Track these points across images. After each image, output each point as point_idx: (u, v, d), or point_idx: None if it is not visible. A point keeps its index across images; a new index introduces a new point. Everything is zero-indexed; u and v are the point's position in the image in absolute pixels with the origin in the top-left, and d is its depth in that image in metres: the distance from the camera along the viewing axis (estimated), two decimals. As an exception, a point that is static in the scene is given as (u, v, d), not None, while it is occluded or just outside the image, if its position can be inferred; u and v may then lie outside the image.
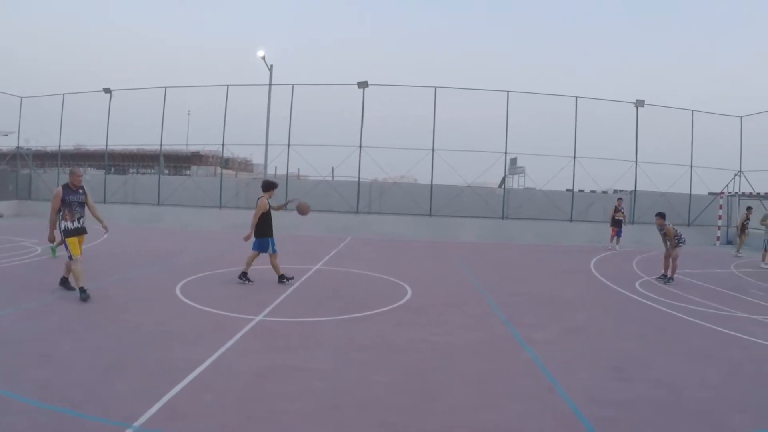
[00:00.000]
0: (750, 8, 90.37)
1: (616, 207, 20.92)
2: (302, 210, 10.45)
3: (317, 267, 12.60)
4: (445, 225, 23.79)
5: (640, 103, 25.27)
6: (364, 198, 25.50)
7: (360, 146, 24.64)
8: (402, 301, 9.49)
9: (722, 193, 25.58)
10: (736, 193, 25.85)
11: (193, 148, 43.32)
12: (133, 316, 7.60)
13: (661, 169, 25.84)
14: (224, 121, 25.31)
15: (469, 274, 13.28)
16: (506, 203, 25.34)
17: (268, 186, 10.46)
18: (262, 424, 4.36)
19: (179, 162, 48.34)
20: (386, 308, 8.85)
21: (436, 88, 24.63)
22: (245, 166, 51.09)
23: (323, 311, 8.45)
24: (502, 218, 25.02)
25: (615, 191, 26.84)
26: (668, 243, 13.00)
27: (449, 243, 20.78)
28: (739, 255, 19.21)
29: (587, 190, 27.74)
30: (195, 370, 5.44)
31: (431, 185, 24.92)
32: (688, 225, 25.68)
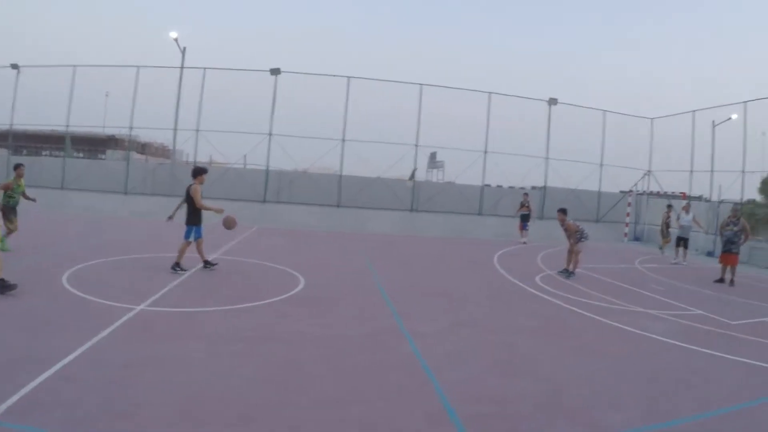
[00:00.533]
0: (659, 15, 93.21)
1: (521, 202, 21.00)
2: (228, 224, 10.32)
3: (215, 256, 11.90)
4: (354, 216, 23.09)
5: (553, 102, 25.51)
6: (273, 187, 24.58)
7: (270, 134, 24.10)
8: (293, 292, 9.14)
9: (631, 191, 25.89)
10: (645, 191, 26.22)
11: (110, 131, 41.89)
12: (6, 303, 7.01)
13: (572, 166, 26.19)
14: (133, 103, 24.29)
15: (368, 265, 12.93)
16: (416, 196, 25.09)
17: (198, 172, 10.20)
18: (119, 418, 4.12)
19: (95, 145, 46.27)
20: (276, 299, 8.53)
21: (349, 78, 24.24)
22: (162, 151, 49.11)
23: (210, 301, 8.06)
24: (411, 211, 24.76)
25: (521, 188, 26.88)
26: (570, 238, 12.98)
27: (357, 234, 20.16)
28: (674, 259, 18.17)
29: (504, 186, 27.83)
30: (62, 360, 5.14)
31: (340, 176, 24.50)
32: (597, 221, 26.03)
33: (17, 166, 11.71)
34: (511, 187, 27.67)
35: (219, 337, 6.26)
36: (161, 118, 24.60)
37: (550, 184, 25.77)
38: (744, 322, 9.12)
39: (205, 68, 24.26)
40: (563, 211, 13.24)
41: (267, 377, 5.17)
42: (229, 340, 6.21)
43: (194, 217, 10.08)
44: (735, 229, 13.79)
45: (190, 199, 10.05)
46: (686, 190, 24.34)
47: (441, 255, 16.24)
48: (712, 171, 23.09)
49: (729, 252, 13.66)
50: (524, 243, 20.25)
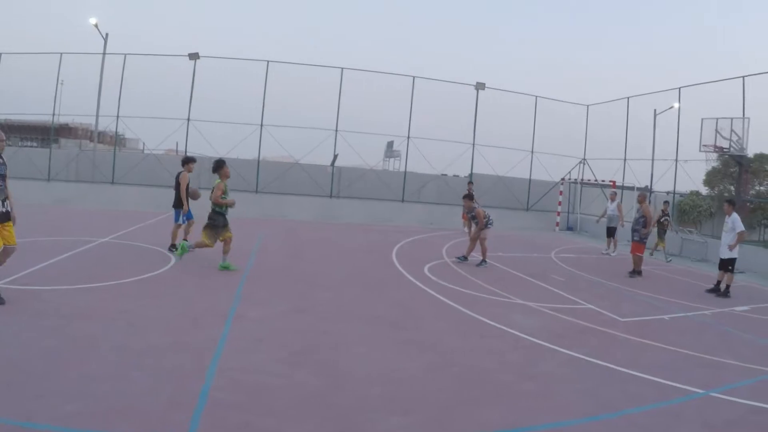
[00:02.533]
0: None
1: (468, 191, 19.90)
2: (193, 195, 10.65)
3: (104, 240, 11.51)
4: (273, 202, 21.96)
5: (480, 86, 24.48)
6: (193, 173, 23.37)
7: (188, 119, 22.92)
8: (155, 273, 8.74)
9: (563, 179, 25.09)
10: (578, 180, 25.47)
11: (64, 120, 40.10)
12: None
13: (502, 153, 25.37)
14: (56, 89, 22.98)
15: (253, 250, 12.09)
16: (337, 182, 23.99)
17: (187, 160, 10.86)
18: None
19: (46, 134, 44.44)
20: (133, 279, 8.15)
21: (268, 62, 23.09)
22: (120, 140, 47.56)
23: (68, 280, 7.69)
24: (331, 197, 23.67)
25: (443, 174, 25.93)
26: (476, 224, 12.35)
27: (271, 220, 19.04)
28: (604, 250, 16.99)
29: (431, 173, 26.76)
30: None
31: (258, 161, 23.34)
32: (528, 210, 25.26)
33: None
34: (444, 174, 26.61)
35: (48, 314, 6.05)
36: (109, 105, 23.03)
37: (477, 171, 24.71)
38: (634, 319, 8.28)
39: (125, 54, 23.09)
40: (470, 197, 12.69)
41: (55, 354, 4.93)
42: (54, 316, 6.00)
43: (180, 201, 10.53)
44: (636, 215, 12.97)
45: (177, 185, 10.60)
46: (620, 179, 23.60)
47: (341, 241, 15.22)
48: (653, 160, 22.36)
49: (634, 240, 12.81)
50: (467, 232, 19.21)
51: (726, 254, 11.01)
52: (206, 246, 9.27)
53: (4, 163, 6.45)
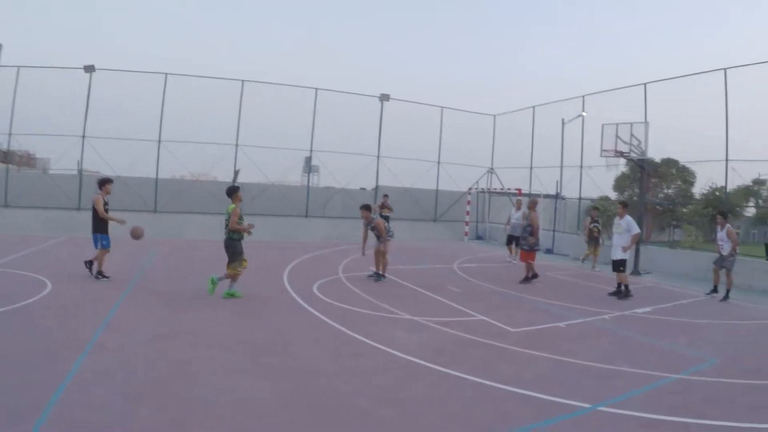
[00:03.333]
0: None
1: (383, 203, 19.69)
2: (135, 234, 10.28)
3: None
4: (172, 222, 20.72)
5: (384, 98, 24.16)
6: (87, 193, 21.89)
7: (83, 136, 21.48)
8: (24, 303, 7.90)
9: (470, 189, 25.04)
10: (487, 189, 25.51)
11: None
12: None
13: (407, 164, 24.97)
14: None
15: (141, 272, 11.33)
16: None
17: (103, 182, 10.55)
18: None
19: None
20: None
21: (166, 74, 21.91)
22: (27, 159, 44.98)
23: None
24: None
25: (361, 188, 25.41)
26: (377, 237, 11.70)
27: (171, 241, 17.92)
28: (508, 257, 17.00)
29: (336, 186, 26.12)
30: None
31: (156, 179, 22.02)
32: (435, 221, 25.04)
33: None
34: (363, 188, 26.10)
35: None
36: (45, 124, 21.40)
37: (383, 183, 24.28)
38: (527, 329, 8.00)
39: (18, 67, 21.31)
40: (367, 208, 11.84)
41: None
42: None
43: (99, 225, 10.20)
44: (523, 223, 12.77)
45: (94, 209, 10.22)
46: (526, 187, 23.66)
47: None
48: (561, 167, 22.38)
49: (522, 249, 12.61)
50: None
51: (618, 255, 11.08)
52: (238, 274, 9.19)
53: None
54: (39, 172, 23.67)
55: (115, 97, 22.30)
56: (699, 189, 31.66)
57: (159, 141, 21.84)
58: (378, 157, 24.29)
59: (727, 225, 11.75)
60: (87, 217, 20.17)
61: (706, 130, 17.48)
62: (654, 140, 16.76)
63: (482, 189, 25.72)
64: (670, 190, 37.93)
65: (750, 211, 35.20)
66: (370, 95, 24.41)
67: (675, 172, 35.29)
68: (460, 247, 21.10)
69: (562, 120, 22.23)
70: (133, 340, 6.28)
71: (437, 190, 25.79)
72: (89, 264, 10.29)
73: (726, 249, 11.58)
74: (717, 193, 32.41)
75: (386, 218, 19.07)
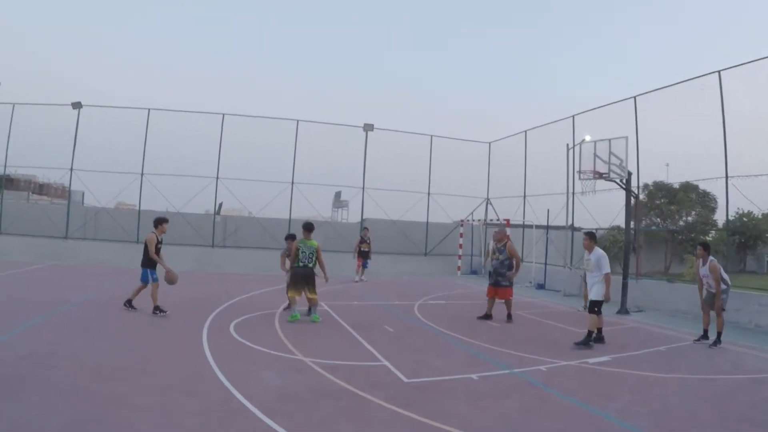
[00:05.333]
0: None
1: (362, 237, 19.33)
2: (170, 280, 10.50)
3: None
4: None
5: (368, 127, 23.51)
6: (75, 223, 22.59)
7: (71, 169, 22.14)
8: None
9: (462, 221, 23.98)
10: (483, 221, 24.51)
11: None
12: None
13: (395, 196, 24.27)
14: None
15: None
16: (219, 231, 22.64)
17: (159, 221, 10.72)
18: None
19: None
20: None
21: (149, 110, 22.33)
22: (62, 191, 45.84)
23: None
24: (213, 246, 22.48)
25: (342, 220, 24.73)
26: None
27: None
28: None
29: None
30: None
31: (139, 210, 22.14)
32: (426, 255, 23.98)
33: None
34: (344, 220, 25.54)
35: None
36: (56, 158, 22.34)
37: (369, 215, 23.70)
38: (425, 380, 6.76)
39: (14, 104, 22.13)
40: (291, 237, 11.40)
41: None
42: None
43: (148, 260, 10.46)
44: (500, 257, 11.61)
45: (145, 246, 10.50)
46: (520, 217, 22.48)
47: (176, 291, 12.40)
48: (571, 193, 20.81)
49: (497, 285, 11.45)
50: (362, 281, 18.62)
51: (593, 295, 9.56)
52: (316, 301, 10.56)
53: None
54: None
55: (100, 132, 22.76)
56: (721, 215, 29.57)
57: (142, 174, 22.06)
58: (363, 189, 23.59)
59: (710, 258, 10.03)
60: (79, 245, 21.59)
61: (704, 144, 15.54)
62: (647, 159, 16.08)
63: (477, 220, 24.59)
64: (690, 218, 35.85)
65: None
66: (353, 125, 24.02)
67: (695, 197, 33.27)
68: (445, 282, 20.14)
69: (567, 145, 21.01)
70: None
71: (428, 223, 24.92)
72: (129, 303, 10.56)
73: (713, 286, 9.89)
74: (745, 219, 30.69)
75: (365, 253, 18.29)
